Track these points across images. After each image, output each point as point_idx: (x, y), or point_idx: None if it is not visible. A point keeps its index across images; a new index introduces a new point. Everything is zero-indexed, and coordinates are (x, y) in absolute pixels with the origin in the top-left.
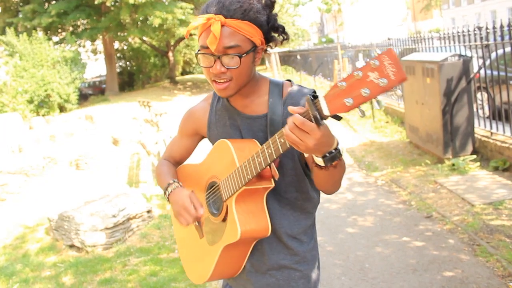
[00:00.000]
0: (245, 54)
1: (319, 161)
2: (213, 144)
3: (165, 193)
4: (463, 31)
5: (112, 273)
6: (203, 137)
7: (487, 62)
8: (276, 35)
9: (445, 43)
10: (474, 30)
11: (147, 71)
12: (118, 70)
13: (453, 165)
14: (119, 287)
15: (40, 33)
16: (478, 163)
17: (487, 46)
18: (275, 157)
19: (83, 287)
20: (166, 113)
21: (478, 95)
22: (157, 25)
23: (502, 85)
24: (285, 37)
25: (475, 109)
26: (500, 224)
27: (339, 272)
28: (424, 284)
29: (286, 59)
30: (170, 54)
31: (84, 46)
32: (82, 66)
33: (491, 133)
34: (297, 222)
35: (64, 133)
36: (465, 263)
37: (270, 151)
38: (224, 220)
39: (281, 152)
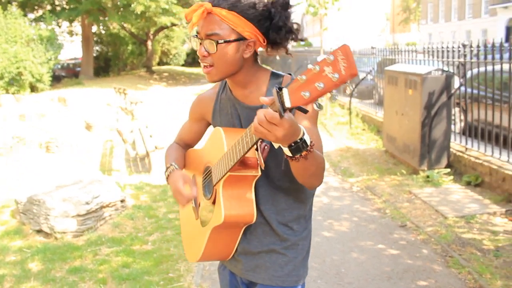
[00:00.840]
0: (222, 41)
1: (286, 151)
2: None
3: (165, 176)
4: (447, 47)
5: (82, 262)
6: (209, 123)
7: (462, 81)
8: (279, 36)
9: (427, 57)
10: (459, 47)
11: (123, 58)
12: (94, 54)
13: (428, 176)
14: (90, 276)
15: (14, 8)
16: (452, 177)
17: (465, 64)
18: (250, 146)
19: (51, 274)
20: (142, 102)
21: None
22: (139, 12)
23: (478, 103)
24: (293, 37)
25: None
26: (472, 238)
27: (315, 275)
28: None
29: (264, 59)
30: (149, 43)
31: (60, 26)
32: (58, 46)
33: (466, 148)
34: (289, 210)
35: (35, 114)
36: (438, 274)
37: (247, 139)
38: (213, 203)
39: (255, 141)
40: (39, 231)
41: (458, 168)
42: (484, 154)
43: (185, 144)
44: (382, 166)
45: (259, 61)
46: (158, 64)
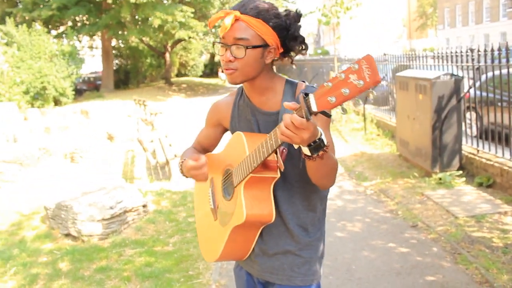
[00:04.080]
0: (251, 47)
1: (306, 150)
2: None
3: (180, 171)
4: (456, 52)
5: (108, 262)
6: (226, 129)
7: (477, 84)
8: (295, 45)
9: (438, 62)
10: (467, 52)
11: (143, 70)
12: (114, 67)
13: (440, 179)
14: (115, 275)
15: (38, 26)
16: (464, 179)
17: (478, 68)
18: (275, 147)
19: (79, 273)
20: (161, 113)
21: (468, 114)
22: (156, 26)
23: (491, 107)
24: (304, 47)
25: (463, 128)
26: (481, 236)
27: (327, 271)
28: (407, 286)
29: (282, 67)
30: (167, 55)
31: (81, 41)
32: (79, 61)
33: (478, 150)
34: (305, 211)
35: (59, 126)
36: (446, 270)
37: (271, 142)
38: (233, 203)
39: (279, 143)
40: (68, 235)
41: (470, 170)
42: (496, 156)
43: (202, 149)
44: (396, 169)
45: (274, 69)
46: (177, 75)
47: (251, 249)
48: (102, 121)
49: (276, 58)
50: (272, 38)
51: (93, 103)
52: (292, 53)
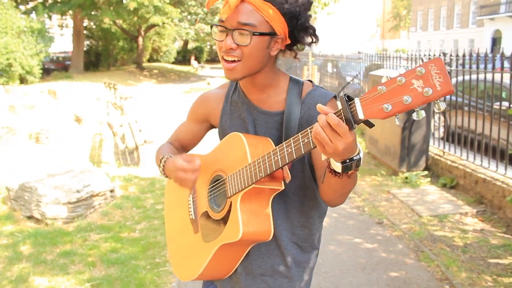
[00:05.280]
0: (258, 33)
1: (337, 166)
2: (221, 134)
3: (160, 166)
4: (429, 55)
5: (72, 247)
6: (211, 126)
7: None
8: (304, 37)
9: (411, 63)
10: (440, 56)
11: (114, 53)
12: (84, 48)
13: (406, 178)
14: (80, 260)
15: (6, 0)
16: (429, 179)
17: (450, 72)
18: (294, 157)
19: (42, 257)
20: (131, 97)
21: (435, 116)
22: (132, 9)
23: (458, 110)
24: (314, 40)
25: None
26: (443, 235)
27: None
28: (371, 281)
29: None
30: (140, 39)
31: (51, 19)
32: (48, 39)
33: (444, 152)
34: (301, 228)
35: (25, 105)
36: (409, 266)
37: (289, 149)
38: (224, 217)
39: (302, 152)
40: (30, 217)
41: (436, 171)
42: (460, 158)
43: (181, 146)
44: (364, 167)
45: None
46: (148, 60)
47: (235, 268)
48: (70, 102)
49: (282, 50)
50: (281, 26)
51: (62, 83)
52: (299, 46)
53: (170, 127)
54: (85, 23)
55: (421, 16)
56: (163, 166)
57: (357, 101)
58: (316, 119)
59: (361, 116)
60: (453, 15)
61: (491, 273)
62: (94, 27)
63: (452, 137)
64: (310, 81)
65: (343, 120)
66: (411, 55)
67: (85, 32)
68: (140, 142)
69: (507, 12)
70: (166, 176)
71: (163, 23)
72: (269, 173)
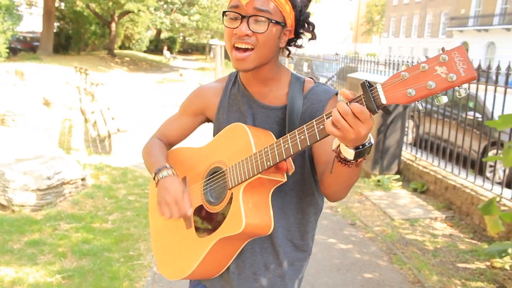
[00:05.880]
0: (274, 21)
1: (350, 153)
2: (217, 128)
3: (155, 174)
4: (407, 61)
5: (41, 236)
6: (206, 120)
7: None
8: (306, 32)
9: (385, 68)
10: (412, 63)
11: (85, 37)
12: (55, 30)
13: (379, 181)
14: (49, 250)
15: None
16: (400, 183)
17: None
18: (308, 144)
19: (8, 245)
20: (102, 84)
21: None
22: None
23: (428, 117)
24: (314, 37)
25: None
26: (414, 239)
27: None
28: (346, 282)
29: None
30: (113, 25)
31: None
32: (17, 17)
33: (416, 157)
34: (297, 225)
35: None
36: (382, 268)
37: (303, 136)
38: (224, 210)
39: (318, 139)
40: None
41: (407, 175)
42: (432, 164)
43: (168, 141)
44: None
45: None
46: (120, 47)
47: (227, 266)
48: (38, 85)
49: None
50: (290, 17)
51: (29, 64)
52: (298, 42)
53: (143, 116)
54: (56, 3)
55: (394, 22)
56: (162, 177)
57: (379, 86)
58: (318, 114)
59: (384, 101)
60: (424, 24)
61: (460, 277)
62: (65, 9)
63: (421, 143)
64: (311, 78)
65: (364, 105)
66: (389, 60)
67: (56, 13)
68: (113, 131)
69: (475, 25)
70: (156, 184)
71: (139, 10)
72: (278, 161)
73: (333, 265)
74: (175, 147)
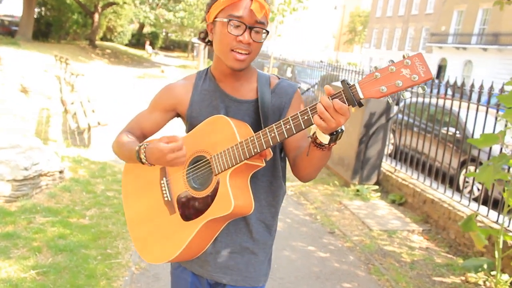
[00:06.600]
0: (266, 31)
1: (326, 138)
2: (191, 122)
3: (139, 157)
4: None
5: (15, 228)
6: (176, 116)
7: (398, 108)
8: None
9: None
10: None
11: (67, 26)
12: (35, 16)
13: (358, 190)
14: (24, 244)
15: None
16: (379, 194)
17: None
18: (294, 132)
19: None
20: (83, 74)
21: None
22: None
23: (407, 130)
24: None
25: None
26: (392, 250)
27: None
28: None
29: (211, 54)
30: (96, 15)
31: None
32: None
33: (395, 169)
34: (268, 207)
35: None
36: (360, 278)
37: (288, 126)
38: (212, 194)
39: (303, 128)
40: None
41: (386, 187)
42: (411, 177)
43: (142, 134)
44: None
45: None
46: (101, 39)
47: (207, 247)
48: (15, 71)
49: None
50: (268, 27)
51: (6, 49)
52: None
53: (123, 110)
54: None
55: (376, 34)
56: (145, 156)
57: (356, 83)
58: (286, 107)
59: (361, 96)
60: (406, 37)
61: None
62: None
63: (400, 155)
64: (276, 75)
65: (344, 100)
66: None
67: None
68: (94, 123)
69: (454, 43)
70: (151, 165)
71: (124, 2)
72: (265, 148)
73: (312, 273)
74: (148, 139)
